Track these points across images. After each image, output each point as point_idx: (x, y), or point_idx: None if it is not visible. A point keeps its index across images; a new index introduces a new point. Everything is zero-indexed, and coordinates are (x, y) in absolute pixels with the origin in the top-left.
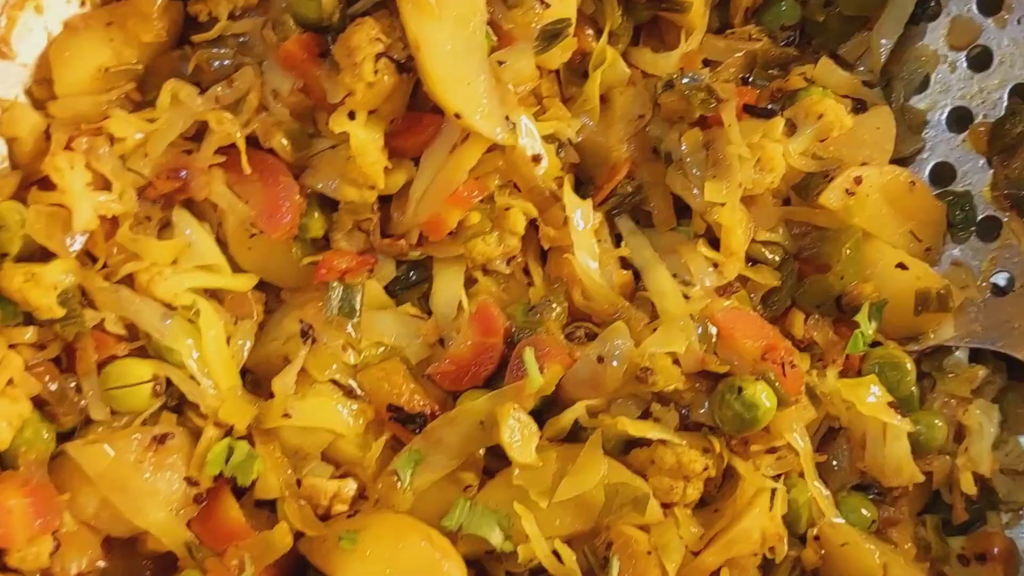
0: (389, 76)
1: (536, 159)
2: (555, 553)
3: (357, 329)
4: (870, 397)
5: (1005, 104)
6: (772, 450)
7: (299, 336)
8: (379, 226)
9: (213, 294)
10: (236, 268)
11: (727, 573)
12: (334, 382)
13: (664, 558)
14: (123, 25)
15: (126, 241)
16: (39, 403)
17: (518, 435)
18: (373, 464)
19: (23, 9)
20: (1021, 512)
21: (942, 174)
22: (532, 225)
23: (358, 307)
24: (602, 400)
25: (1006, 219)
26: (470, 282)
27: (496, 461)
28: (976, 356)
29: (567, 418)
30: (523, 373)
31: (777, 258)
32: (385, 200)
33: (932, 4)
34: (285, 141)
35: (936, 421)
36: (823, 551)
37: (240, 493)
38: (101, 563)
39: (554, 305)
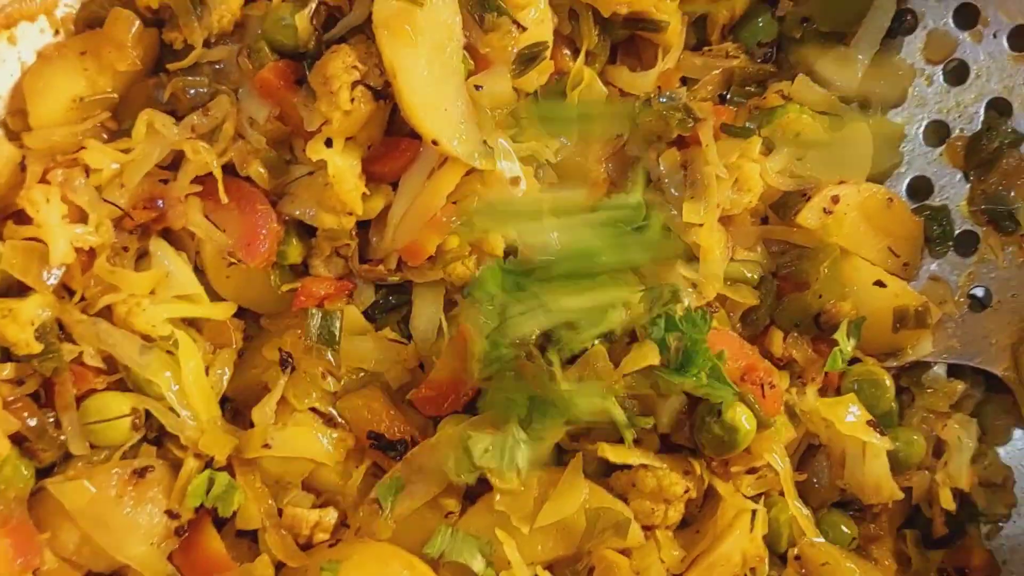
0: (366, 104)
1: (515, 182)
2: None
3: (336, 356)
4: (849, 416)
5: (982, 118)
6: (752, 470)
7: (278, 364)
8: (358, 252)
9: (191, 322)
10: (214, 296)
11: None
12: (314, 410)
13: None
14: (97, 54)
15: (103, 273)
16: (18, 439)
17: None
18: (354, 492)
19: None
20: (1000, 524)
21: (919, 188)
22: None
23: (337, 333)
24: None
25: (983, 234)
26: (450, 306)
27: (477, 486)
28: (954, 370)
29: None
30: None
31: (756, 277)
32: (363, 225)
33: (908, 18)
34: (262, 169)
35: (915, 437)
36: (804, 571)
37: (221, 523)
38: None
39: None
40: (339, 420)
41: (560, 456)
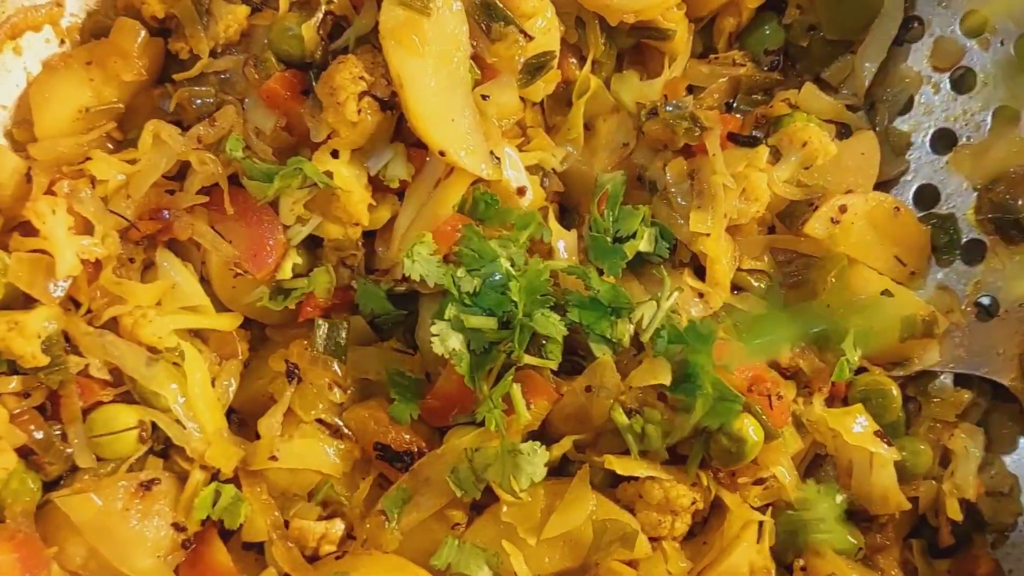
0: (372, 115)
1: (521, 191)
2: None
3: (343, 366)
4: (856, 427)
5: (989, 126)
6: (760, 481)
7: (284, 376)
8: (364, 262)
9: (197, 333)
10: (220, 306)
11: None
12: (320, 421)
13: None
14: (103, 64)
15: (110, 284)
16: (24, 452)
17: None
18: (360, 504)
19: (1, 51)
20: (1006, 533)
21: (926, 196)
22: None
23: (343, 344)
24: (589, 434)
25: (990, 243)
26: None
27: (484, 497)
28: (961, 379)
29: (554, 453)
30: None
31: (763, 286)
32: (369, 235)
33: (915, 25)
34: None
35: (921, 447)
36: None
37: (227, 536)
38: None
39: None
40: (345, 431)
41: (567, 466)
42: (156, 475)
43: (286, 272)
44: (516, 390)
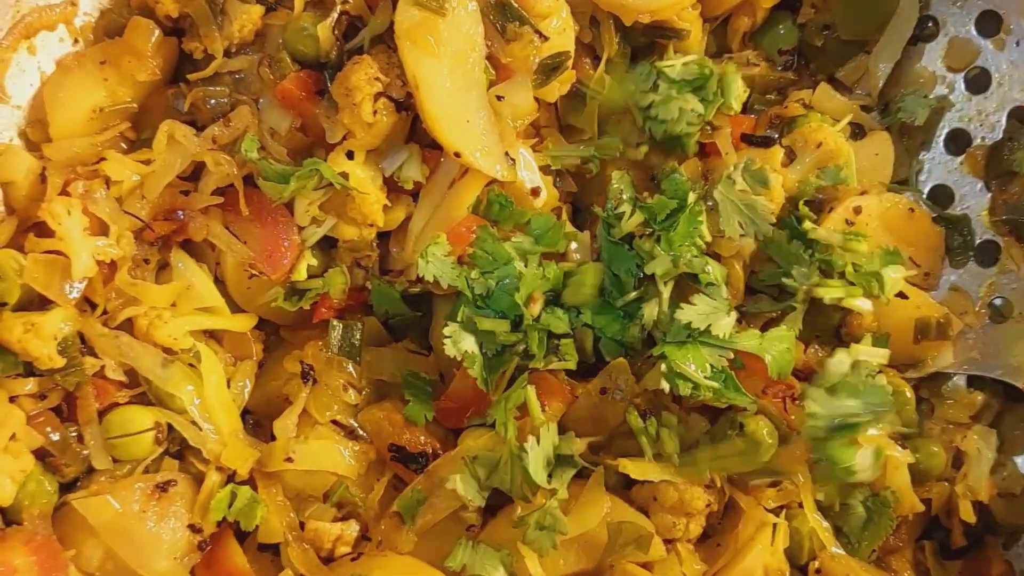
0: (388, 116)
1: (535, 192)
2: None
3: (358, 368)
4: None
5: (1003, 127)
6: (774, 483)
7: (300, 377)
8: (378, 262)
9: (211, 334)
10: (234, 307)
11: None
12: (335, 423)
13: None
14: (117, 63)
15: (125, 286)
16: (41, 454)
17: None
18: (376, 505)
19: (16, 51)
20: (1018, 535)
21: (940, 196)
22: None
23: (358, 345)
24: (604, 436)
25: (1004, 244)
26: None
27: (498, 498)
28: (974, 380)
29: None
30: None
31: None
32: (384, 236)
33: (929, 25)
34: None
35: (935, 449)
36: None
37: (243, 537)
38: None
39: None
40: (360, 433)
41: (581, 469)
42: (172, 477)
43: (301, 273)
44: (531, 392)
